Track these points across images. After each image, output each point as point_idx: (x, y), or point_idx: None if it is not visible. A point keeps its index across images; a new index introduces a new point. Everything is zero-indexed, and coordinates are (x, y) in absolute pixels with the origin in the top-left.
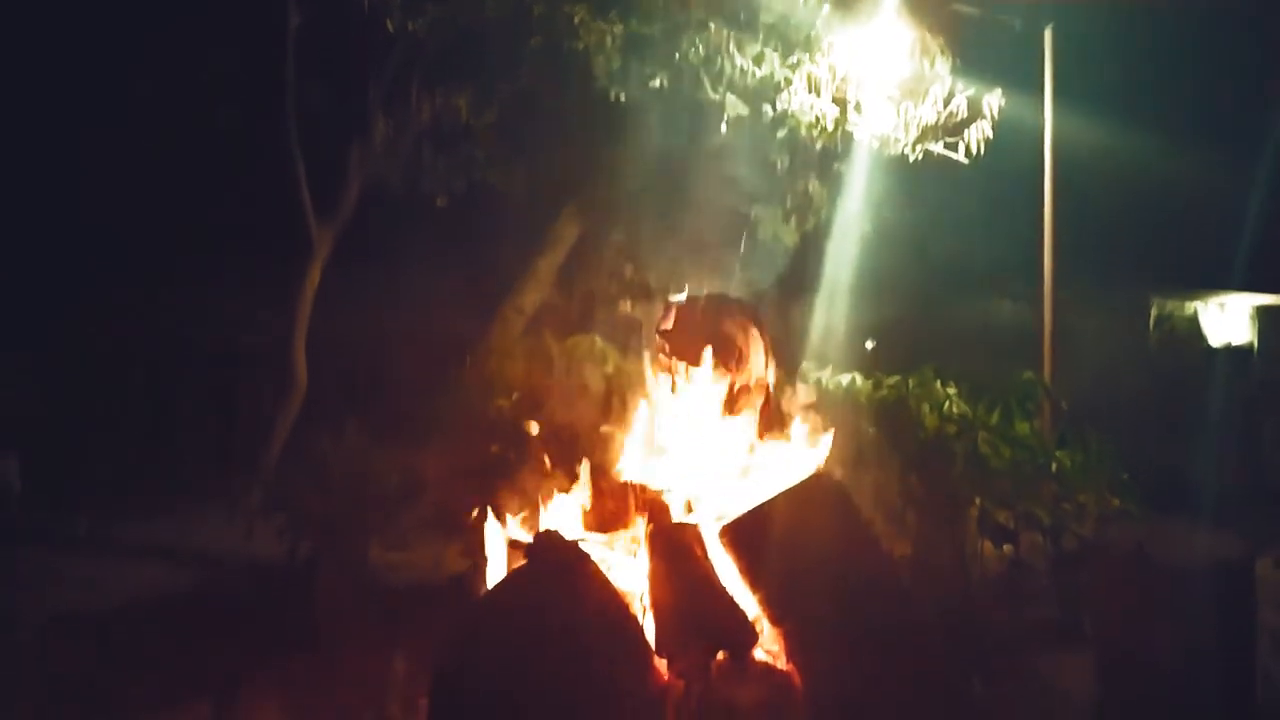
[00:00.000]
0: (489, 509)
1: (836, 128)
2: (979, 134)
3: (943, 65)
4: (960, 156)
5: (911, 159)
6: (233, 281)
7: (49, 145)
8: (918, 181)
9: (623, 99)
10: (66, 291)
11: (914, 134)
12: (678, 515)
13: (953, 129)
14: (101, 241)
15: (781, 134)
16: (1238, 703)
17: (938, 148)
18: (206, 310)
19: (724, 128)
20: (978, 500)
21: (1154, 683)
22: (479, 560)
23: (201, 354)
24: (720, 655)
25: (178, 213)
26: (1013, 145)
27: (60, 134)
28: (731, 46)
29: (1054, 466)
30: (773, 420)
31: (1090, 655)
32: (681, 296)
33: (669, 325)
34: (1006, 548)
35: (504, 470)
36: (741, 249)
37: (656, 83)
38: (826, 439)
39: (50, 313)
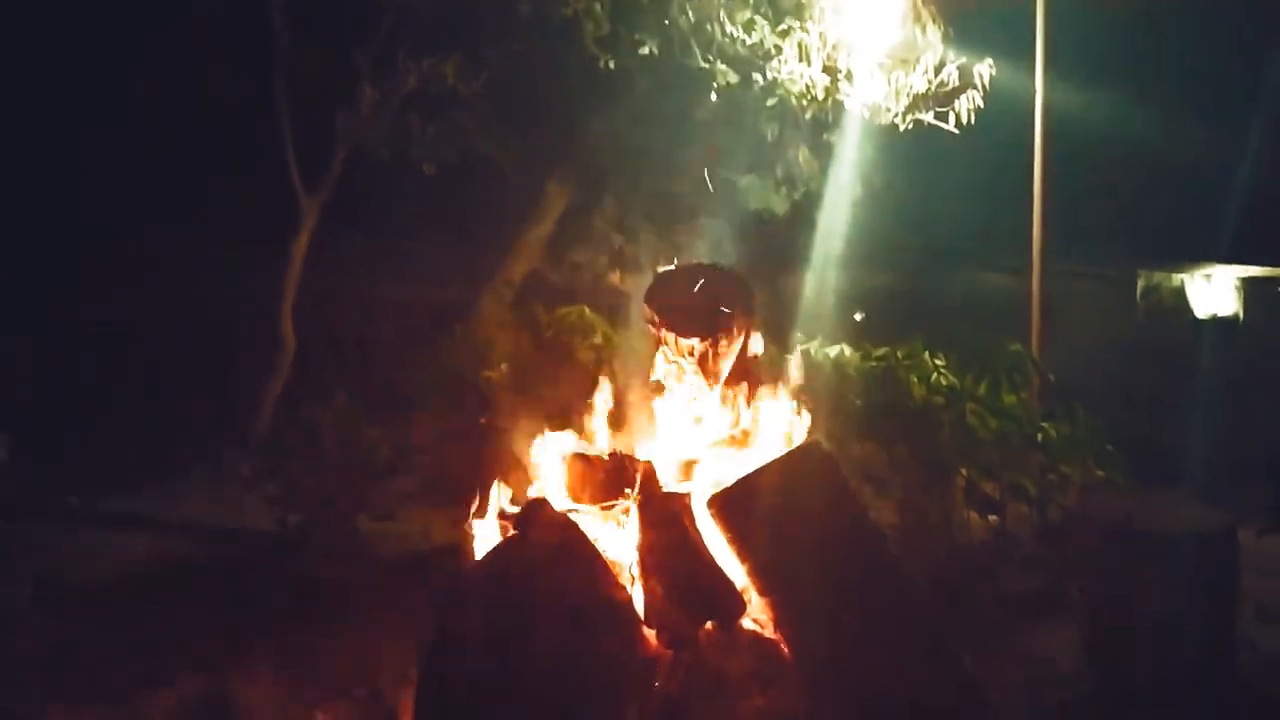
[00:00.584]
0: (478, 480)
1: (827, 96)
2: (970, 104)
3: (934, 33)
4: (951, 126)
5: (902, 129)
6: (220, 251)
7: (30, 117)
8: (908, 152)
9: (612, 67)
10: (52, 264)
11: (904, 103)
12: (666, 486)
13: (943, 98)
14: (87, 213)
15: (771, 103)
16: (1220, 669)
17: (928, 117)
18: (194, 280)
19: (714, 96)
20: (964, 471)
21: (1138, 651)
22: (468, 531)
23: (189, 324)
24: (708, 625)
25: (164, 183)
26: (1003, 116)
27: (41, 106)
28: (721, 13)
29: (1040, 438)
30: (761, 390)
31: (1075, 624)
32: (671, 267)
33: (658, 295)
34: (992, 518)
35: (493, 440)
36: (731, 219)
37: (646, 50)
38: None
39: (36, 285)
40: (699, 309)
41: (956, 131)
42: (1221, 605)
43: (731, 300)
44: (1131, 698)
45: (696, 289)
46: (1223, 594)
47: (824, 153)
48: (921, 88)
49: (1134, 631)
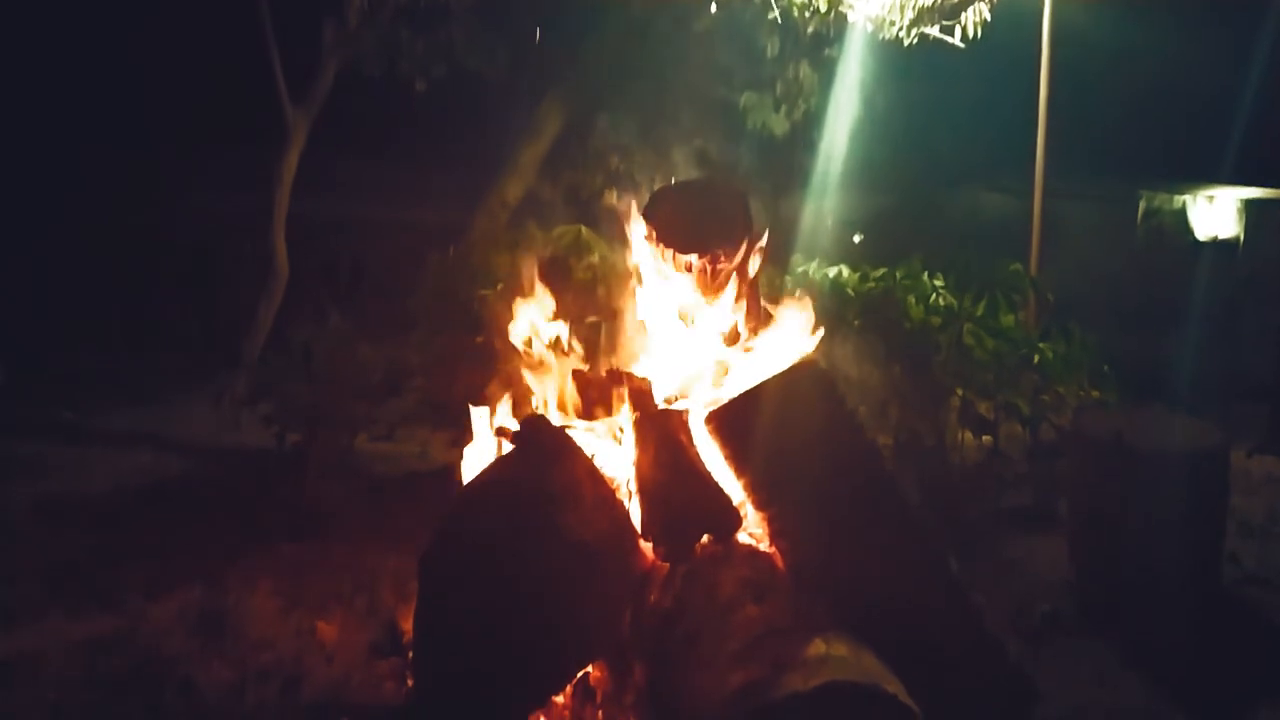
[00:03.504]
0: (474, 398)
1: (830, 9)
2: (976, 17)
3: None
4: (957, 40)
5: (906, 44)
6: (209, 169)
7: (10, 28)
8: (911, 69)
9: None
10: (40, 179)
11: (910, 16)
12: (663, 402)
13: (949, 10)
14: (74, 132)
15: (772, 16)
16: (1203, 581)
17: (934, 31)
18: (183, 199)
19: (713, 8)
20: (959, 391)
21: (1124, 564)
22: (465, 448)
23: (180, 243)
24: (705, 539)
25: (150, 99)
26: (1007, 32)
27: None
28: None
29: (1036, 358)
30: (759, 308)
31: (1063, 539)
32: (669, 184)
33: (656, 211)
34: (986, 438)
35: (489, 359)
36: (729, 139)
37: None
38: (813, 328)
39: (25, 201)
40: (698, 225)
41: (962, 46)
42: (1209, 521)
43: (730, 216)
44: (1116, 609)
45: (695, 205)
46: (1211, 511)
47: (825, 70)
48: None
49: (1121, 546)
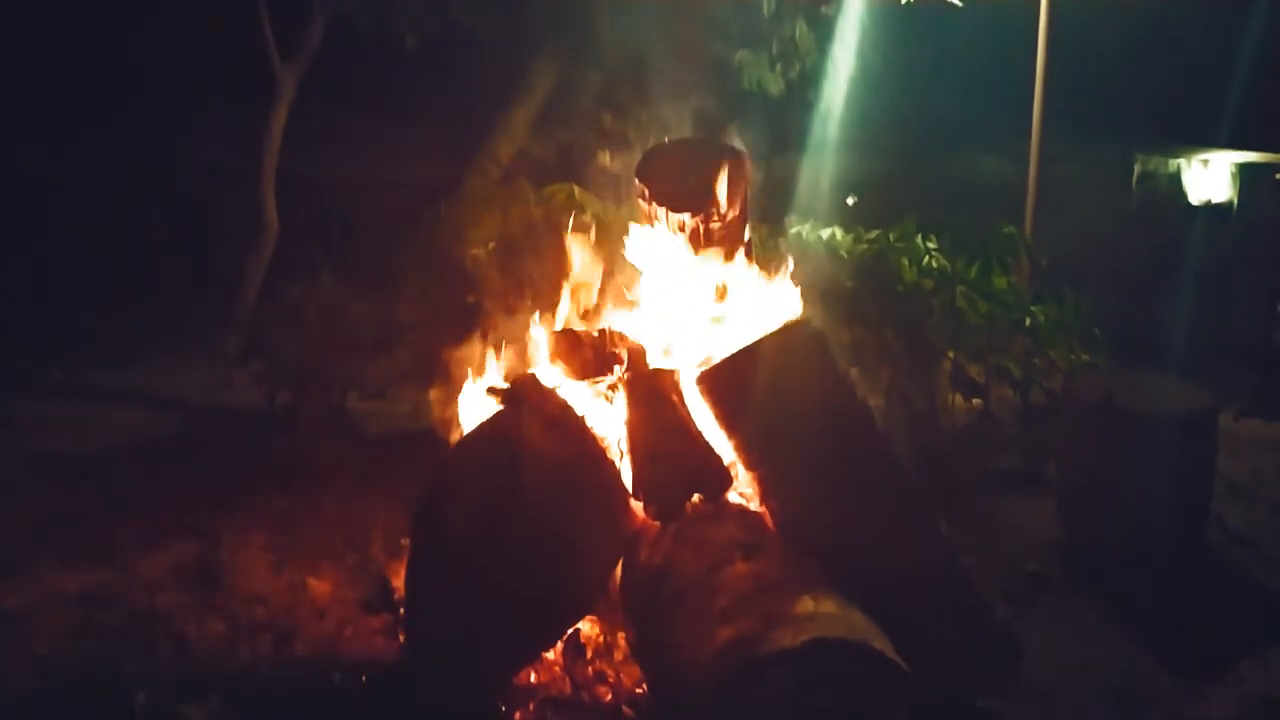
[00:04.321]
0: (466, 356)
1: None
2: None
3: None
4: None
5: (904, 2)
6: (197, 124)
7: None
8: (909, 30)
9: None
10: (25, 141)
11: None
12: (655, 361)
13: None
14: (60, 84)
15: None
16: (1189, 542)
17: None
18: (172, 155)
19: None
20: (951, 354)
21: (1112, 525)
22: (457, 407)
23: (169, 199)
24: (695, 498)
25: (138, 52)
26: None
27: None
28: None
29: (1028, 321)
30: (752, 267)
31: (1051, 501)
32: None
33: (649, 168)
34: (976, 401)
35: (480, 318)
36: (724, 98)
37: None
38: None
39: (9, 162)
40: (690, 183)
41: (960, 5)
42: (1196, 484)
43: (724, 175)
44: (1102, 569)
45: (689, 163)
46: (1199, 473)
47: (822, 28)
48: None
49: (1109, 507)
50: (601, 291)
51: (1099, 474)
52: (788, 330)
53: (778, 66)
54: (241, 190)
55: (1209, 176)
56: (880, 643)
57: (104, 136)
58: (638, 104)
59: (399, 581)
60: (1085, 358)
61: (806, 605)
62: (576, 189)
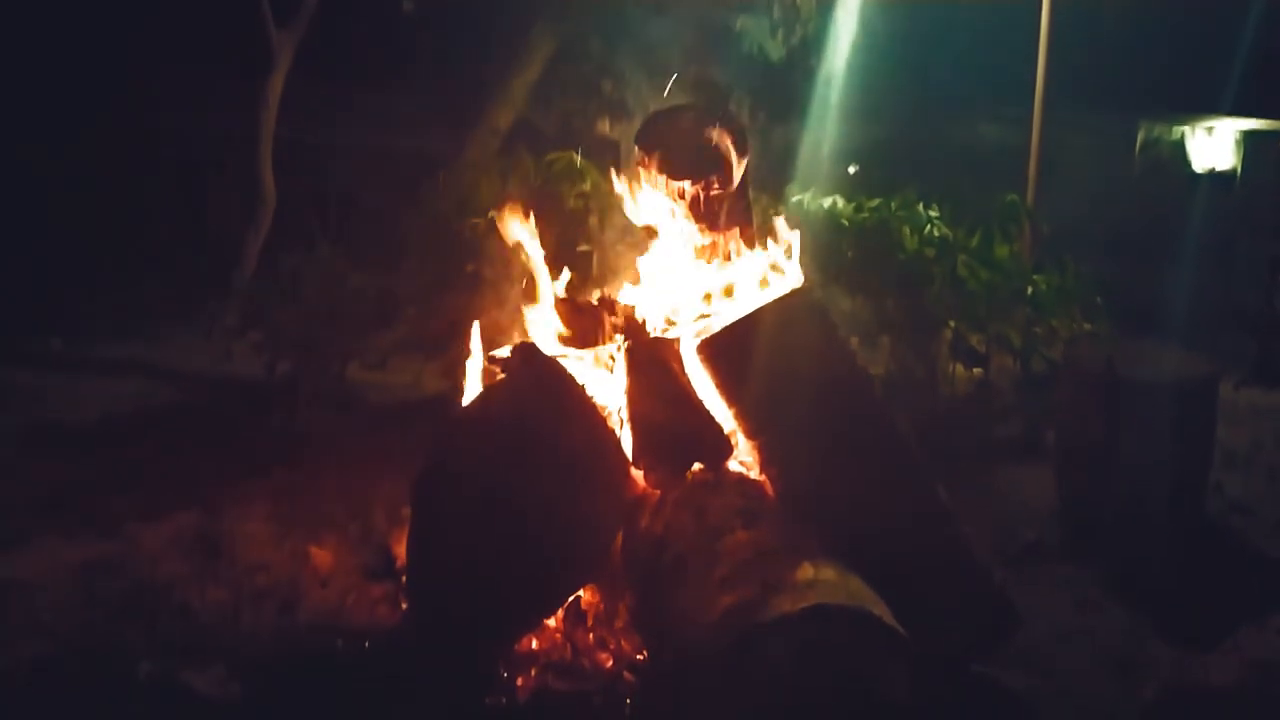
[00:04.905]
0: (466, 326)
1: None
2: None
3: None
4: None
5: None
6: (194, 93)
7: None
8: None
9: None
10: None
11: None
12: (655, 330)
13: None
14: (55, 57)
15: None
16: (1188, 510)
17: None
18: (170, 124)
19: None
20: (952, 323)
21: (1110, 493)
22: (457, 378)
23: (165, 169)
24: (695, 467)
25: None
26: None
27: None
28: None
29: (1029, 290)
30: (753, 235)
31: (1050, 469)
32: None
33: (649, 135)
34: (976, 370)
35: (480, 288)
36: (725, 65)
37: None
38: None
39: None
40: (691, 150)
41: None
42: (1195, 452)
43: (724, 142)
44: (1100, 537)
45: (689, 130)
46: (1198, 441)
47: None
48: None
49: (1108, 475)
50: (601, 260)
51: (1098, 441)
52: (788, 299)
53: (779, 32)
54: (239, 160)
55: (1213, 144)
56: (879, 609)
57: (101, 107)
58: (637, 72)
59: (401, 550)
60: (1086, 326)
61: (806, 572)
62: (576, 157)
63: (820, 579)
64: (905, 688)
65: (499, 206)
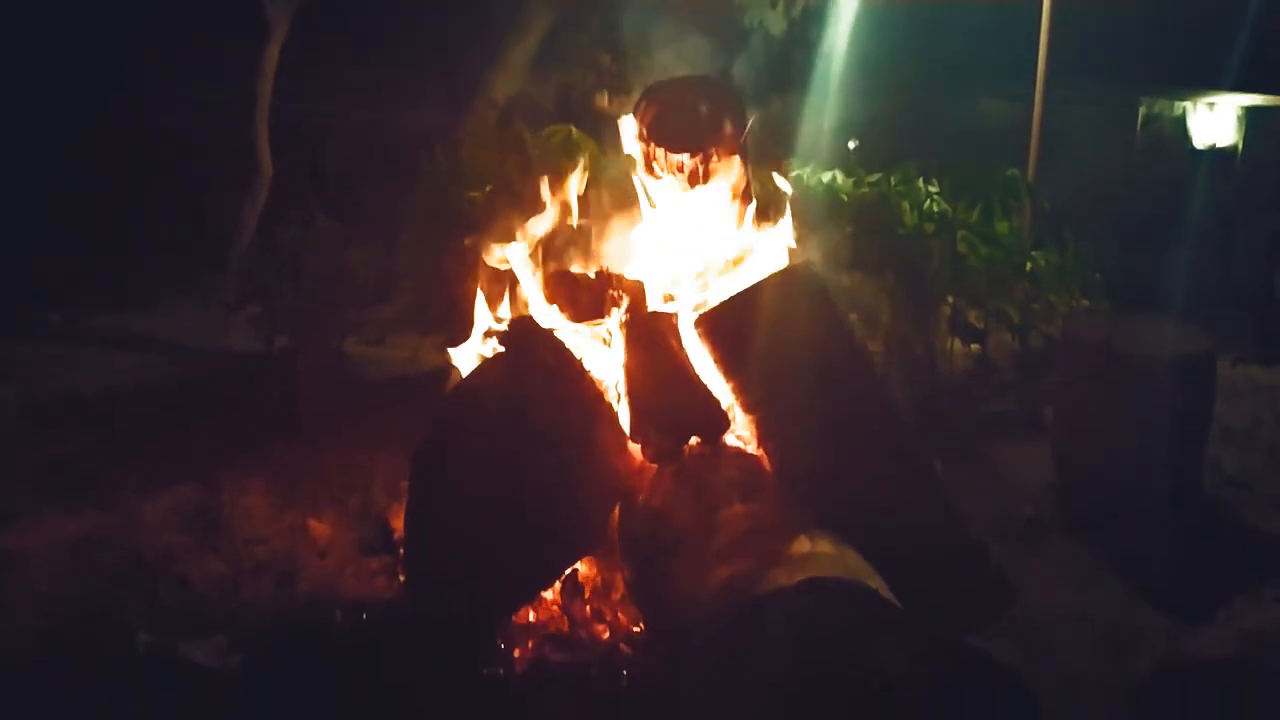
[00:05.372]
0: (465, 301)
1: None
2: None
3: None
4: None
5: None
6: (187, 65)
7: None
8: None
9: None
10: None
11: None
12: (653, 304)
13: None
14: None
15: None
16: (1185, 486)
17: None
18: (167, 96)
19: None
20: (950, 299)
21: (1108, 469)
22: (455, 350)
23: (161, 141)
24: (693, 441)
25: None
26: None
27: None
28: None
29: (1029, 266)
30: (752, 210)
31: (1047, 446)
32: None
33: (647, 108)
34: (974, 346)
35: (479, 262)
36: (725, 38)
37: None
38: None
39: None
40: (689, 123)
41: None
42: (1193, 428)
43: (723, 114)
44: (1097, 513)
45: (687, 103)
46: (1196, 417)
47: None
48: None
49: (1105, 450)
50: (599, 233)
51: (1095, 417)
52: (787, 274)
53: (780, 4)
54: (234, 132)
55: (1214, 120)
56: (875, 583)
57: (98, 79)
58: (636, 44)
59: (399, 523)
60: (1085, 304)
61: (803, 546)
62: (574, 130)
63: (817, 552)
64: (901, 661)
65: (497, 180)
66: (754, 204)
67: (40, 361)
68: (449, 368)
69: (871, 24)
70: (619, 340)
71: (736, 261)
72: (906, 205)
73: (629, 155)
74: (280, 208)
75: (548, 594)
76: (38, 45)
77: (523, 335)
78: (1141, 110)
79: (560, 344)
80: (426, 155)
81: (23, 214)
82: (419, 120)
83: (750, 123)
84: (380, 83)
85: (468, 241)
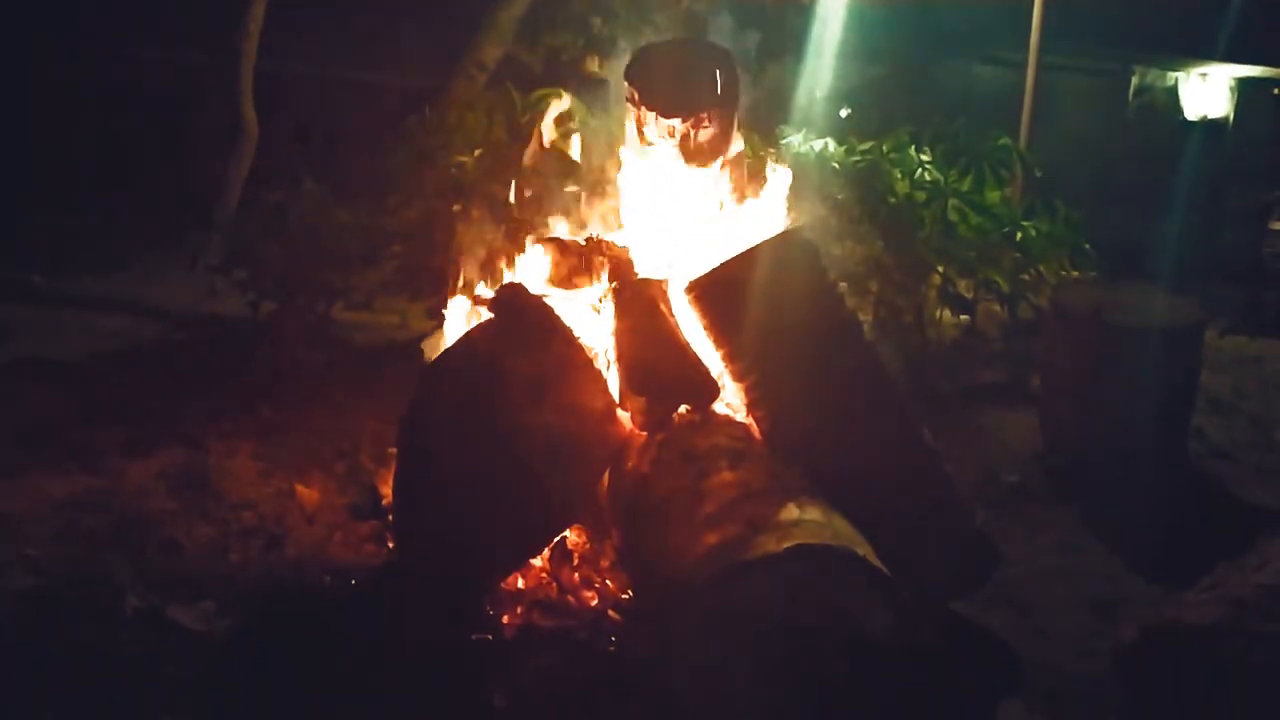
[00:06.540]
0: (453, 266)
1: None
2: None
3: None
4: None
5: None
6: (174, 25)
7: None
8: None
9: None
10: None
11: None
12: (643, 271)
13: None
14: None
15: None
16: (1169, 454)
17: None
18: (151, 57)
19: None
20: (940, 268)
21: (1093, 436)
22: (444, 315)
23: (146, 102)
24: (683, 408)
25: None
26: None
27: None
28: None
29: (1019, 236)
30: (743, 176)
31: (1034, 413)
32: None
33: (638, 71)
34: (963, 316)
35: (467, 226)
36: (715, 3)
37: None
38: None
39: None
40: (681, 87)
41: None
42: (1179, 397)
43: (716, 78)
44: (1083, 479)
45: (679, 66)
46: (1182, 386)
47: None
48: None
49: (1091, 418)
50: (589, 199)
51: (1082, 385)
52: (778, 240)
53: None
54: (222, 93)
55: (1207, 90)
56: (863, 549)
57: (82, 40)
58: (626, 8)
59: (387, 489)
60: (1074, 274)
61: (791, 512)
62: (564, 94)
63: (805, 519)
64: (888, 626)
65: (486, 144)
66: (745, 169)
67: (23, 324)
68: (437, 329)
69: None
70: (609, 307)
71: (728, 227)
72: (898, 173)
73: (619, 117)
74: (267, 168)
75: (537, 560)
76: (18, 5)
77: (511, 301)
78: (1133, 80)
79: (549, 310)
80: (414, 117)
81: (4, 175)
82: (407, 80)
83: (743, 87)
84: (368, 42)
85: (456, 207)
